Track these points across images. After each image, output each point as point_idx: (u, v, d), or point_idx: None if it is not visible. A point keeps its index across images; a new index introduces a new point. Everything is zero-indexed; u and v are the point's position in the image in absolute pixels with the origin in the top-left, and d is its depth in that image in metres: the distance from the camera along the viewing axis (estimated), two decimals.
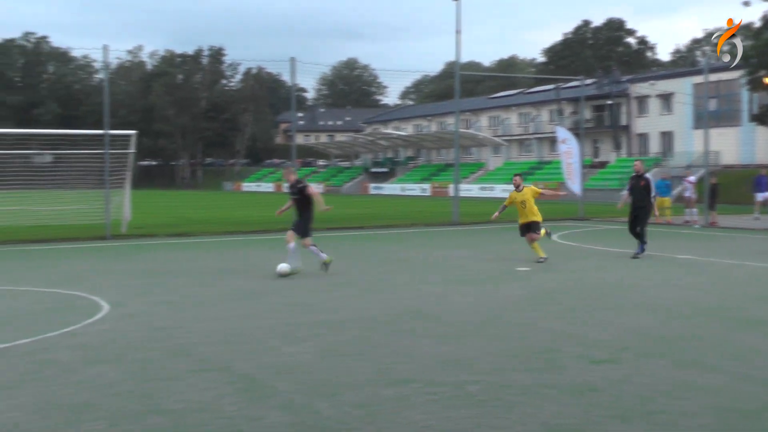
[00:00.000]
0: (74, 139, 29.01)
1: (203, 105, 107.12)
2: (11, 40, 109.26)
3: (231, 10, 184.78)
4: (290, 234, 14.20)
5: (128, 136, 24.92)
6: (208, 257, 17.87)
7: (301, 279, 13.76)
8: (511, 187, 17.27)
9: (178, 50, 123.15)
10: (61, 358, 7.81)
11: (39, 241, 21.65)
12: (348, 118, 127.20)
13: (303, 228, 14.25)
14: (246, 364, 7.53)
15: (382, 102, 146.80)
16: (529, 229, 16.44)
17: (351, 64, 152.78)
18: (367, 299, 11.61)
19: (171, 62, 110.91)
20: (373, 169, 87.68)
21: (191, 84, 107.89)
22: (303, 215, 14.29)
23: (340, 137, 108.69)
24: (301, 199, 14.24)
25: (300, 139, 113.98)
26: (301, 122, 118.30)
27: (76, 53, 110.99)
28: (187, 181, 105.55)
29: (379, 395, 6.49)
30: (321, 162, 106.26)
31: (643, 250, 16.98)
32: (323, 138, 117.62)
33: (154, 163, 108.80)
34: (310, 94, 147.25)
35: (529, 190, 16.65)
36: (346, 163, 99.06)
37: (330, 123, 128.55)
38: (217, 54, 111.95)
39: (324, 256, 14.29)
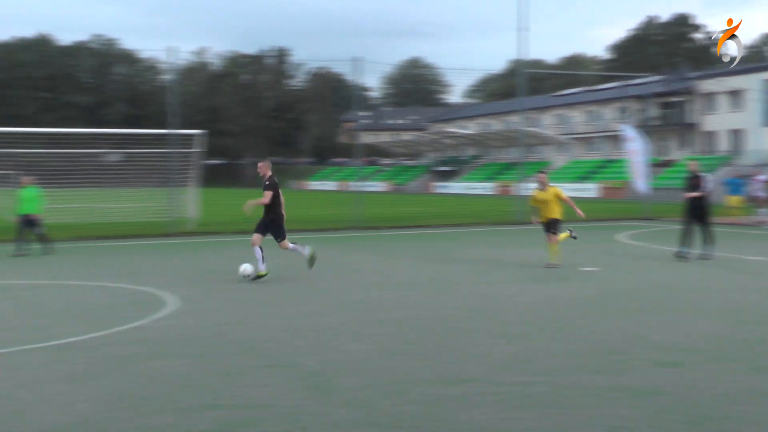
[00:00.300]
0: (141, 139, 29.62)
1: (268, 105, 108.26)
2: (82, 43, 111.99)
3: (294, 11, 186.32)
4: (256, 237, 13.51)
5: (194, 135, 25.34)
6: (272, 255, 18.03)
7: (363, 277, 13.80)
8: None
9: (243, 51, 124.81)
10: (130, 352, 7.97)
11: (108, 238, 22.18)
12: (412, 117, 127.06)
13: (262, 227, 13.56)
14: (310, 361, 7.58)
15: (447, 101, 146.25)
16: (549, 227, 15.48)
17: (415, 63, 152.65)
18: (429, 297, 11.58)
19: (236, 63, 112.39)
20: (438, 168, 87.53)
21: (256, 84, 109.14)
22: (267, 214, 13.59)
23: (404, 136, 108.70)
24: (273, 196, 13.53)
25: (365, 138, 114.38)
26: (366, 121, 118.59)
27: (143, 55, 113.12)
28: (252, 180, 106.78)
29: (442, 394, 6.46)
30: (386, 161, 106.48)
31: (685, 252, 16.52)
32: (388, 137, 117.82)
33: (219, 162, 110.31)
34: (374, 93, 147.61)
35: (554, 191, 15.50)
36: (410, 162, 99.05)
37: (394, 122, 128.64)
38: (281, 54, 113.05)
39: (306, 251, 13.73)
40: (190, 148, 25.21)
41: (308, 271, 13.86)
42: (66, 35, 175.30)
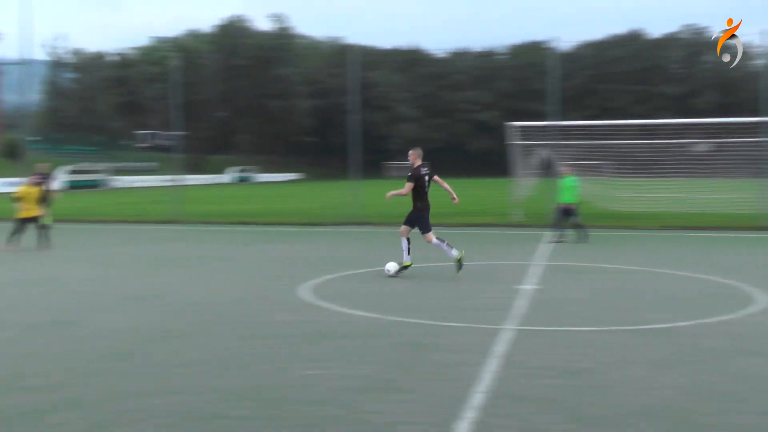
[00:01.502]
0: (732, 127, 28.70)
1: None
2: (672, 34, 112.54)
3: None
4: (403, 229, 12.92)
5: None
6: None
7: None
8: None
9: None
10: (716, 345, 7.85)
11: (695, 228, 22.11)
12: None
13: (412, 220, 12.93)
14: None
15: None
16: None
17: None
18: None
19: None
20: None
21: None
22: (414, 206, 12.93)
23: None
24: (415, 187, 12.83)
25: None
26: None
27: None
28: None
29: None
30: None
31: None
32: None
33: None
34: None
35: None
36: None
37: None
38: None
39: (454, 253, 12.59)
40: None
41: None
42: (656, 28, 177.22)
